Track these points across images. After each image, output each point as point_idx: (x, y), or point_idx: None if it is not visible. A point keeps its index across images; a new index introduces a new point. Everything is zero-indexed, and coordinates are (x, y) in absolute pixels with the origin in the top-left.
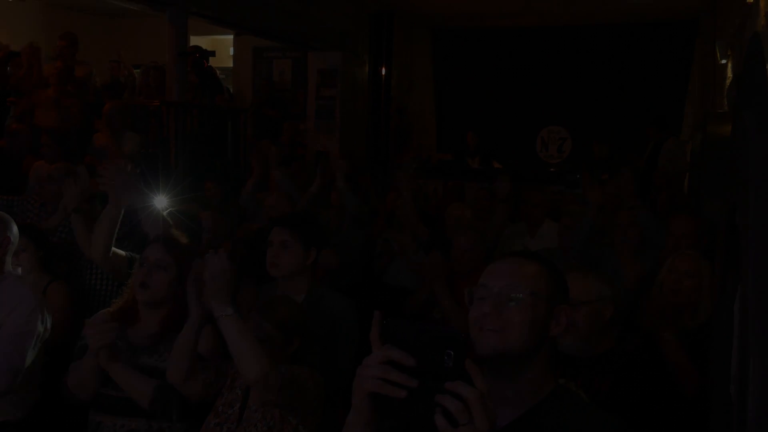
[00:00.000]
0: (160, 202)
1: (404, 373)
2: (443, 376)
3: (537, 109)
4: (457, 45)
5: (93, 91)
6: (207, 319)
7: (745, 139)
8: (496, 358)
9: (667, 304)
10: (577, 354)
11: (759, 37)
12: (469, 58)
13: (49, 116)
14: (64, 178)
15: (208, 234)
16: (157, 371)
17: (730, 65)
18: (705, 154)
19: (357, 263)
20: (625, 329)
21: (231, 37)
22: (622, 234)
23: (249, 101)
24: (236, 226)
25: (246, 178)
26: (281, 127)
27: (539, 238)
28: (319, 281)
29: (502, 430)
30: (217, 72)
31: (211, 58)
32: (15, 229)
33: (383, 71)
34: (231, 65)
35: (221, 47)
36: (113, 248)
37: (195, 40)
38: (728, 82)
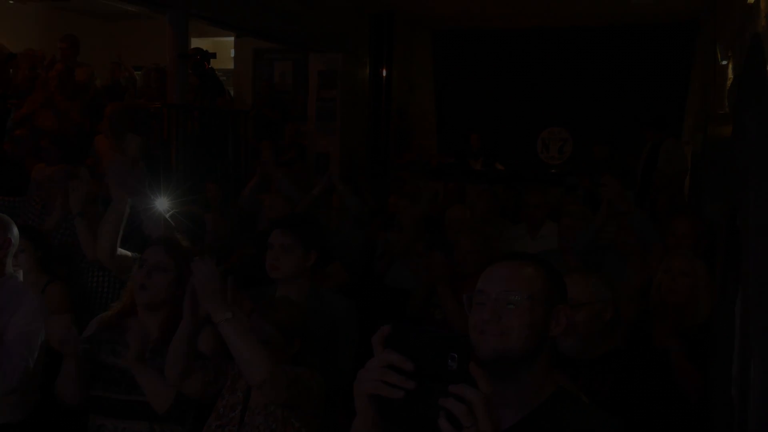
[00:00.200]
0: (161, 204)
1: (402, 376)
2: (447, 379)
3: (538, 110)
4: (457, 46)
5: (93, 94)
6: (206, 320)
7: (745, 140)
8: (497, 361)
9: (666, 305)
10: (576, 355)
11: (759, 38)
12: (470, 59)
13: (50, 118)
14: (65, 181)
15: (210, 236)
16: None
17: (730, 66)
18: (706, 155)
19: (357, 264)
20: (631, 332)
21: (232, 38)
22: (623, 238)
23: (249, 103)
24: (237, 228)
25: (247, 180)
26: (282, 128)
27: (540, 239)
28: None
29: None
30: (218, 74)
31: (211, 60)
32: (15, 230)
33: (384, 72)
34: (232, 67)
35: (222, 49)
36: (119, 249)
37: (196, 42)
38: (729, 83)
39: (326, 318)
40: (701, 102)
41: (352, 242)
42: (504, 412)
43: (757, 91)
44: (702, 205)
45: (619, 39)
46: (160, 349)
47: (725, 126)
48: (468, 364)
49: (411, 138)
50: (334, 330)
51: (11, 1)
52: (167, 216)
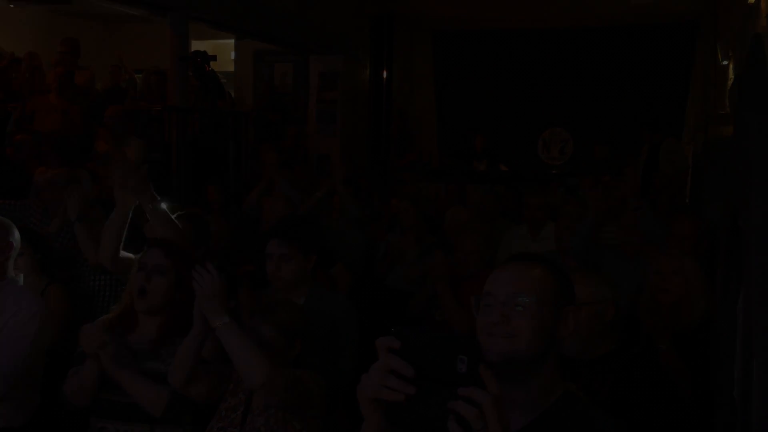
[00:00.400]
0: (162, 206)
1: (402, 380)
2: (455, 381)
3: (538, 111)
4: (457, 47)
5: (94, 97)
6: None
7: (747, 141)
8: (506, 364)
9: (660, 305)
10: (576, 355)
11: (760, 38)
12: (470, 60)
13: (50, 122)
14: (65, 184)
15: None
16: (161, 375)
17: (731, 66)
18: (707, 155)
19: (358, 266)
20: (628, 331)
21: (232, 41)
22: (626, 236)
23: (250, 105)
24: (238, 231)
25: (248, 182)
26: (283, 130)
27: (542, 240)
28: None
29: None
30: (218, 76)
31: (212, 62)
32: (17, 234)
33: (384, 74)
34: (232, 69)
35: (222, 51)
36: (121, 251)
37: (196, 45)
38: (730, 83)
39: (327, 319)
40: (702, 102)
41: (353, 244)
42: (512, 414)
43: (759, 91)
44: (703, 206)
45: (619, 39)
46: (158, 352)
47: (726, 126)
48: (478, 367)
49: (411, 139)
50: (335, 331)
51: (12, 5)
52: (173, 218)
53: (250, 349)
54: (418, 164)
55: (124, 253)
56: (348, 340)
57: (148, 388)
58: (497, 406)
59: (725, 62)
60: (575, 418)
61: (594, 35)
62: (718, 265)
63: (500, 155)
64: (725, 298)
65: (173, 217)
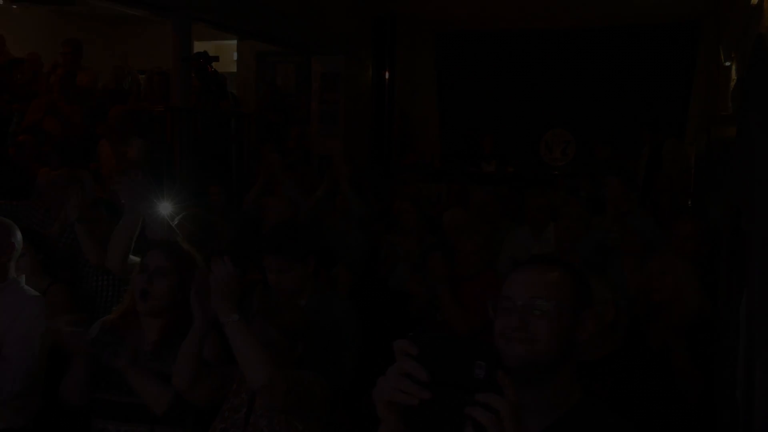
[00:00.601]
0: (165, 208)
1: (417, 384)
2: (473, 387)
3: (540, 112)
4: (459, 48)
5: (97, 97)
6: (212, 325)
7: (750, 142)
8: (524, 368)
9: (653, 306)
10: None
11: (763, 38)
12: (472, 61)
13: (53, 122)
14: (67, 185)
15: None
16: (163, 376)
17: (734, 67)
18: (709, 157)
19: (360, 266)
20: (629, 334)
21: (235, 42)
22: (627, 240)
23: (252, 106)
24: (240, 231)
25: (250, 183)
26: (285, 131)
27: (544, 241)
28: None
29: None
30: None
31: (214, 63)
32: (19, 235)
33: (386, 75)
34: (234, 70)
35: (225, 52)
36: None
37: (199, 46)
38: (732, 84)
39: (329, 320)
40: (704, 103)
41: (355, 245)
42: (529, 418)
43: (762, 92)
44: (706, 207)
45: (621, 40)
46: (159, 353)
47: (729, 127)
48: (496, 373)
49: (414, 140)
50: (337, 332)
51: (15, 6)
52: (174, 220)
53: (255, 350)
54: (420, 165)
55: (131, 258)
56: (349, 341)
57: (154, 386)
58: (515, 413)
59: (728, 63)
60: (593, 424)
61: (596, 36)
62: (720, 266)
63: (509, 156)
64: (728, 298)
65: (176, 219)
